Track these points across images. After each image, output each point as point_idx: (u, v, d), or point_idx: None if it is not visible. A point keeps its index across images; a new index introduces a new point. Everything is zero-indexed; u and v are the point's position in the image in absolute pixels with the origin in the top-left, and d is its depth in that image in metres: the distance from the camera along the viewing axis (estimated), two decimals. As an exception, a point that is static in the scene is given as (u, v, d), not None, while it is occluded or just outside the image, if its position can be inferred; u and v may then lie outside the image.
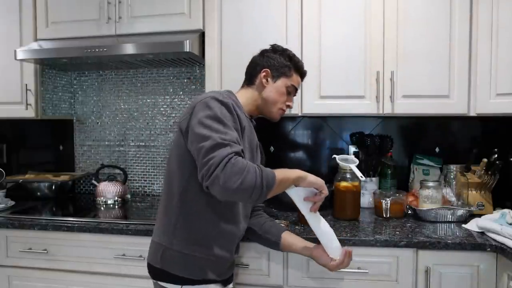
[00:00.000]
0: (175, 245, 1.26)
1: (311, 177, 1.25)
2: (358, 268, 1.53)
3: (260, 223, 1.47)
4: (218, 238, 1.29)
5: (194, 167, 1.19)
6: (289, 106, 1.47)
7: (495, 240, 1.48)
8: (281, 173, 1.17)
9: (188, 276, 1.25)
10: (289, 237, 1.43)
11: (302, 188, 1.26)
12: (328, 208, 1.91)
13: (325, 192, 1.27)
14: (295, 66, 1.44)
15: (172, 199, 1.27)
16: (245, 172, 1.08)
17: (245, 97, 1.41)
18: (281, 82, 1.41)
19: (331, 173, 2.00)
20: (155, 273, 1.29)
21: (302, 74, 1.48)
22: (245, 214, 1.39)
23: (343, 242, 1.51)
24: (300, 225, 1.69)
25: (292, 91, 1.45)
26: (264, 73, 1.40)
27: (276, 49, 1.45)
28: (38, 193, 2.27)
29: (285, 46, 1.47)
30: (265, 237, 1.45)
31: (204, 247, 1.27)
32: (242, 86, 1.46)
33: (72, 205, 2.23)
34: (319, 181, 1.26)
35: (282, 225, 1.62)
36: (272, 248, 1.49)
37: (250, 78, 1.44)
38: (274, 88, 1.41)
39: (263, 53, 1.45)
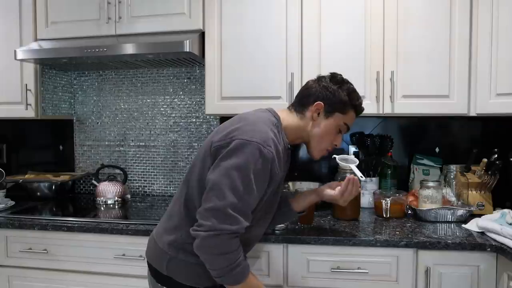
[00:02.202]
0: (181, 255, 1.22)
1: None
2: (358, 268, 1.53)
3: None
4: None
5: None
6: (335, 145, 1.35)
7: (495, 240, 1.48)
8: (252, 286, 1.17)
9: (194, 285, 1.24)
10: (296, 199, 1.45)
11: None
12: (328, 208, 1.91)
13: None
14: (353, 104, 1.31)
15: (186, 215, 1.22)
16: (221, 255, 1.09)
17: (289, 124, 1.29)
18: (333, 120, 1.29)
19: (331, 173, 2.00)
20: (160, 278, 1.27)
21: (359, 112, 1.35)
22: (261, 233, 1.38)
23: (342, 242, 1.52)
24: (300, 225, 1.69)
25: (343, 129, 1.33)
26: (317, 106, 1.27)
27: (336, 79, 1.31)
28: (38, 193, 2.27)
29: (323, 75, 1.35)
30: (279, 214, 1.45)
31: None
32: (290, 109, 1.33)
33: (72, 205, 2.23)
34: None
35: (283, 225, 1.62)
36: (291, 218, 1.51)
37: (300, 105, 1.31)
38: (324, 126, 1.29)
39: (320, 80, 1.31)
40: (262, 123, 1.19)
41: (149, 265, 1.32)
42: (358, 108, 1.33)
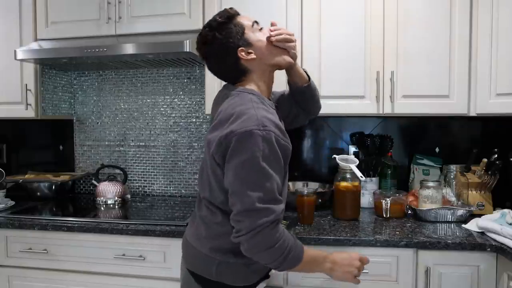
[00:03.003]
0: (231, 259, 1.20)
1: (341, 271, 1.22)
2: (358, 268, 1.53)
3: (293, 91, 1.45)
4: None
5: None
6: (270, 32, 1.25)
7: (495, 240, 1.48)
8: (310, 260, 1.18)
9: (244, 284, 1.24)
10: (290, 80, 1.40)
11: None
12: (328, 208, 1.91)
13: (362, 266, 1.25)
14: (230, 18, 1.23)
15: (225, 222, 1.19)
16: (269, 249, 1.08)
17: (259, 86, 1.25)
18: (251, 38, 1.22)
19: (331, 173, 2.00)
20: (208, 285, 1.24)
21: (236, 13, 1.26)
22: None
23: (342, 242, 1.52)
24: (300, 225, 1.69)
25: (256, 26, 1.26)
26: (242, 54, 1.21)
27: (207, 36, 1.22)
28: (38, 193, 2.27)
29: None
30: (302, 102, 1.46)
31: None
32: (240, 81, 1.27)
33: (72, 205, 2.23)
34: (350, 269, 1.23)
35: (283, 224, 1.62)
36: (311, 94, 1.45)
37: (237, 72, 1.25)
38: (259, 47, 1.23)
39: (209, 48, 1.23)
40: (246, 109, 1.14)
41: (193, 274, 1.27)
42: (232, 15, 1.25)
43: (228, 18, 1.24)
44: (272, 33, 1.25)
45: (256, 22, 1.28)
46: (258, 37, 1.25)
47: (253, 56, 1.23)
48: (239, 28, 1.23)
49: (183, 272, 1.33)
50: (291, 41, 1.28)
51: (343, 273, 1.23)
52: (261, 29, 1.28)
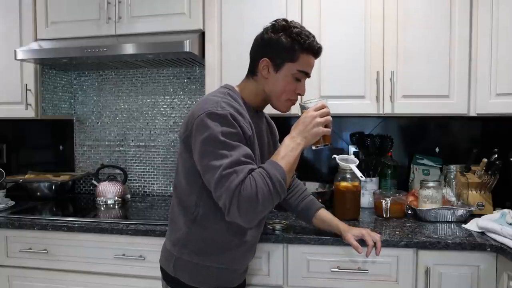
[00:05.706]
0: (185, 255, 1.23)
1: (310, 132, 1.16)
2: (358, 268, 1.53)
3: (293, 205, 1.52)
4: (231, 248, 1.25)
5: (203, 182, 1.15)
6: (299, 94, 1.27)
7: (495, 240, 1.48)
8: (286, 160, 1.12)
9: (199, 286, 1.24)
10: (322, 219, 1.50)
11: None
12: (328, 208, 1.91)
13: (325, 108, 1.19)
14: (302, 47, 1.19)
15: (182, 212, 1.23)
16: (255, 195, 1.04)
17: (248, 91, 1.27)
18: (286, 71, 1.20)
19: (331, 173, 2.00)
20: (168, 279, 1.28)
21: (315, 53, 1.23)
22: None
23: (342, 243, 1.52)
24: (300, 223, 1.68)
25: (302, 77, 1.23)
26: (263, 63, 1.21)
27: (275, 28, 1.20)
28: (38, 193, 2.27)
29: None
30: (300, 216, 1.56)
31: (215, 256, 1.24)
32: (246, 76, 1.30)
33: (72, 205, 2.23)
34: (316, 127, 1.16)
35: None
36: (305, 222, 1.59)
37: (252, 68, 1.27)
38: (277, 80, 1.21)
39: (263, 34, 1.23)
40: (211, 96, 1.19)
41: (160, 268, 1.32)
42: (312, 48, 1.22)
43: (297, 45, 1.19)
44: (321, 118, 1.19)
45: (307, 75, 1.25)
46: (286, 82, 1.22)
47: (266, 74, 1.23)
48: (289, 54, 1.20)
49: None
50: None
51: (312, 132, 1.16)
52: (299, 81, 1.25)
